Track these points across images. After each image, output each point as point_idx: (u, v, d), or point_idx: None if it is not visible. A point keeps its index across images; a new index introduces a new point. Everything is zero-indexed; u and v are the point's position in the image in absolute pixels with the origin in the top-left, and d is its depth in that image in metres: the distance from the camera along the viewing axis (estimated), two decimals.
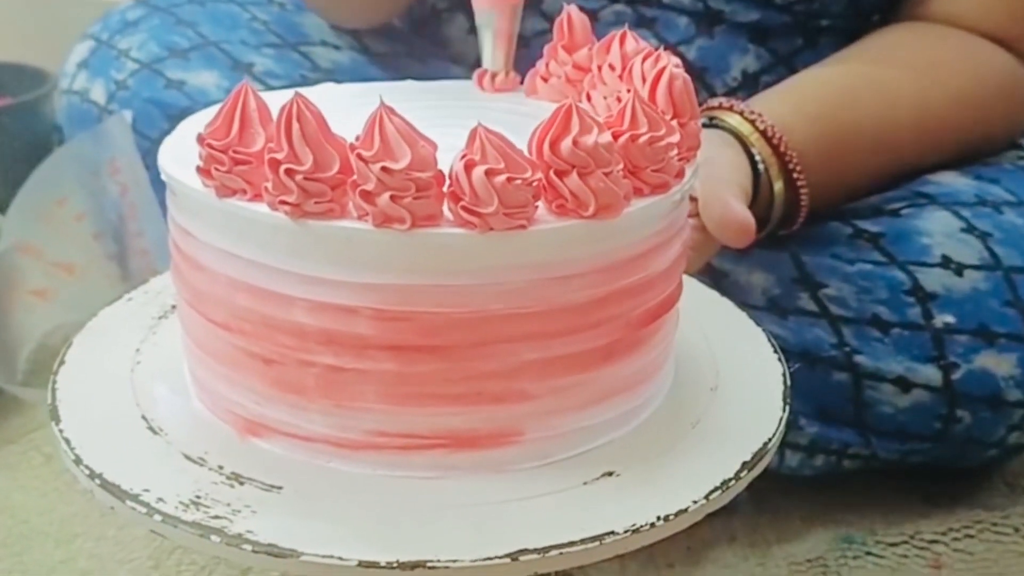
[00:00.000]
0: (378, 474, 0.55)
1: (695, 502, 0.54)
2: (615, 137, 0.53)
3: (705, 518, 0.55)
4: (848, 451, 0.88)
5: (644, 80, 0.58)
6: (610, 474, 0.55)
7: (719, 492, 0.54)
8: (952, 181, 0.90)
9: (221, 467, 0.55)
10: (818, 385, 0.86)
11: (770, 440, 0.58)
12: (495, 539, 0.50)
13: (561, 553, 0.50)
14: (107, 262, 1.05)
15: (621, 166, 0.52)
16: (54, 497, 0.92)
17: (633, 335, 0.56)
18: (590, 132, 0.51)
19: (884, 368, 0.85)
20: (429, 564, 0.49)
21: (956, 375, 0.84)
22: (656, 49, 0.61)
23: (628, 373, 0.57)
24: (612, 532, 0.51)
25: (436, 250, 0.51)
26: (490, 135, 0.50)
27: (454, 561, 0.49)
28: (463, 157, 0.50)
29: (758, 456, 0.57)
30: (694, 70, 0.95)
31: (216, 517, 0.51)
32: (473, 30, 1.01)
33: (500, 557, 0.49)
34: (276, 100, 0.52)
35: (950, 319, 0.84)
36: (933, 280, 0.84)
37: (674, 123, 0.56)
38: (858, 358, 0.85)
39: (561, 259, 0.52)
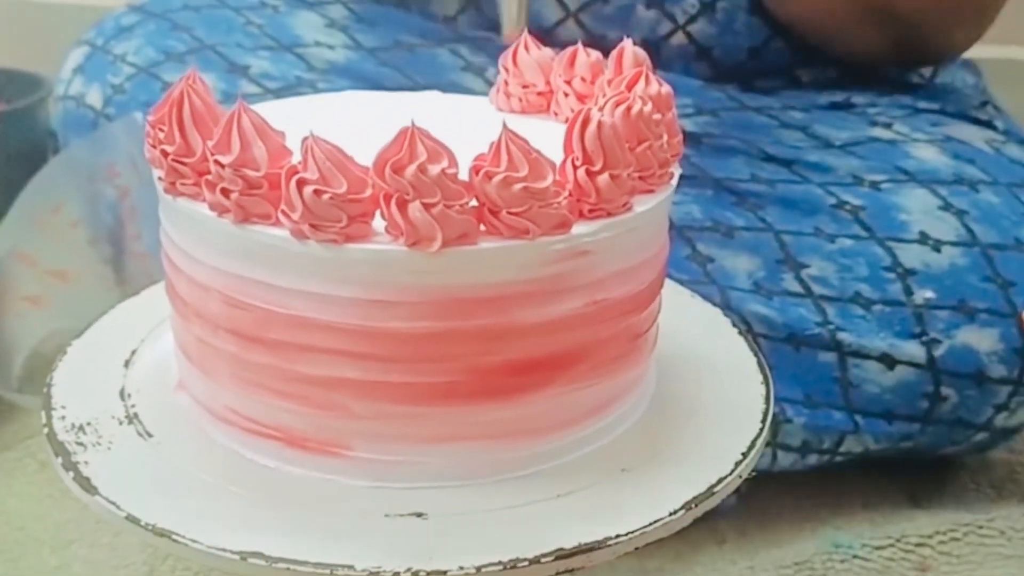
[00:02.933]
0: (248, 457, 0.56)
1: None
2: (476, 171, 0.50)
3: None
4: (840, 448, 0.89)
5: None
6: (419, 515, 0.53)
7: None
8: (931, 157, 0.93)
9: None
10: (804, 368, 0.86)
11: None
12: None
13: None
14: (102, 267, 1.05)
15: (467, 200, 0.50)
16: (49, 503, 0.92)
17: (488, 383, 0.53)
18: (438, 160, 0.49)
19: (868, 345, 0.85)
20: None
21: (939, 351, 0.85)
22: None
23: (486, 420, 0.54)
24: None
25: (264, 247, 0.51)
26: (324, 146, 0.49)
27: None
28: (299, 163, 0.50)
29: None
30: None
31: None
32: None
33: None
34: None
35: (930, 294, 0.85)
36: (912, 256, 0.86)
37: (580, 171, 0.52)
38: (842, 335, 0.85)
39: (378, 282, 0.50)
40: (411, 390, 0.52)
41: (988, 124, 1.00)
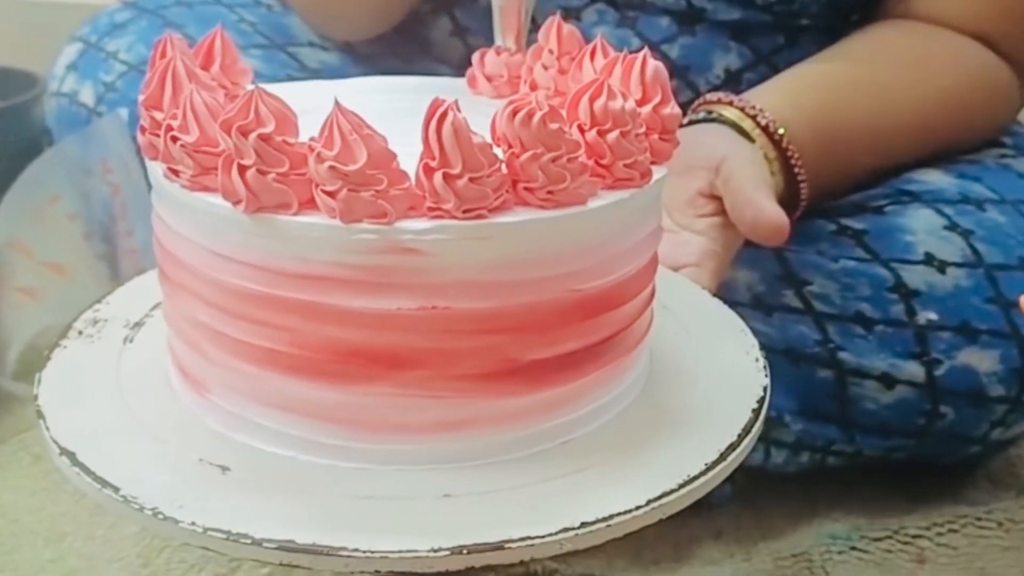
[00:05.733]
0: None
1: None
2: (310, 148, 0.51)
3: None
4: (832, 448, 0.89)
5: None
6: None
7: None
8: (936, 179, 0.91)
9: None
10: (802, 382, 0.86)
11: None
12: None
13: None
14: (96, 262, 1.05)
15: (288, 170, 0.52)
16: (43, 496, 0.92)
17: (309, 362, 0.54)
18: (276, 128, 0.51)
19: (868, 365, 0.85)
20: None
21: (939, 371, 0.85)
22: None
23: (307, 397, 0.55)
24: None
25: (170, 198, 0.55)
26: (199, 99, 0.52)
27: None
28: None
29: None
30: (677, 68, 0.95)
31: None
32: (456, 32, 1.02)
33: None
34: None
35: (933, 316, 0.84)
36: (916, 277, 0.85)
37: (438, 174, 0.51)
38: (842, 355, 0.85)
39: (218, 235, 0.54)
40: (248, 349, 0.54)
41: (996, 141, 0.98)
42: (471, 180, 0.50)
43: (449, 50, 1.03)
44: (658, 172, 0.58)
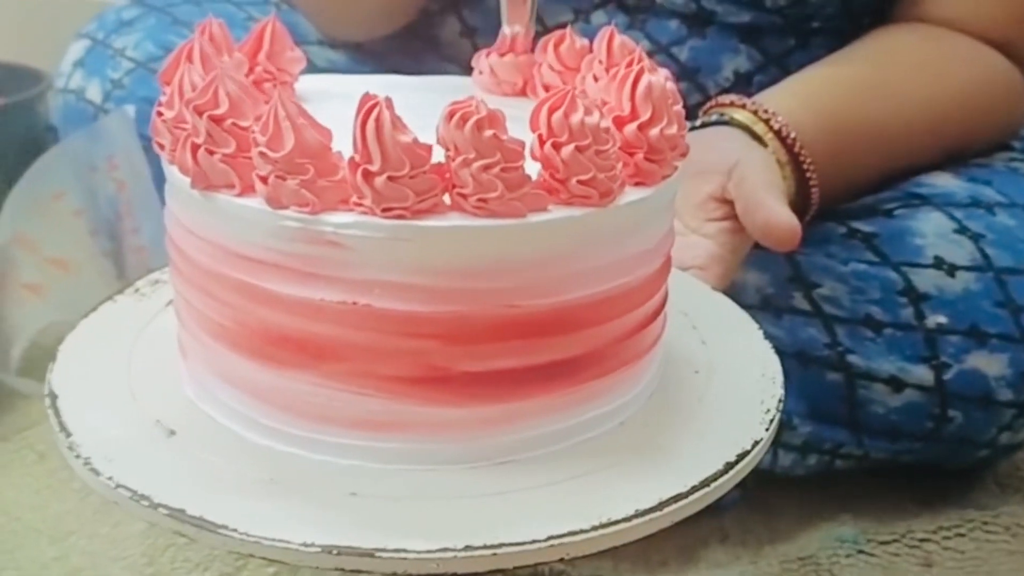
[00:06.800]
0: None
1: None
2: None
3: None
4: (840, 451, 0.89)
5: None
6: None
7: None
8: (945, 182, 0.91)
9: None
10: (811, 385, 0.86)
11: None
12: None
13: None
14: (102, 260, 1.05)
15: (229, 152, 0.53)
16: (47, 494, 0.92)
17: (248, 343, 0.55)
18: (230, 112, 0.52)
19: (876, 368, 0.85)
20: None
21: (948, 375, 0.85)
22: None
23: (243, 375, 0.56)
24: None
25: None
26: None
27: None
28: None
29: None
30: (687, 71, 0.95)
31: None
32: (464, 32, 1.01)
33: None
34: None
35: (942, 319, 0.84)
36: (926, 281, 0.85)
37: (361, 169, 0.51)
38: (851, 358, 0.85)
39: (183, 207, 0.56)
40: (207, 322, 0.57)
41: (1006, 145, 0.98)
42: (390, 179, 0.50)
43: (458, 50, 1.02)
44: (635, 193, 0.55)
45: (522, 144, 0.51)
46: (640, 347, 0.59)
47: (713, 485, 0.54)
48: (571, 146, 0.52)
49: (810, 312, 0.86)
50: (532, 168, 0.52)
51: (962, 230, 0.86)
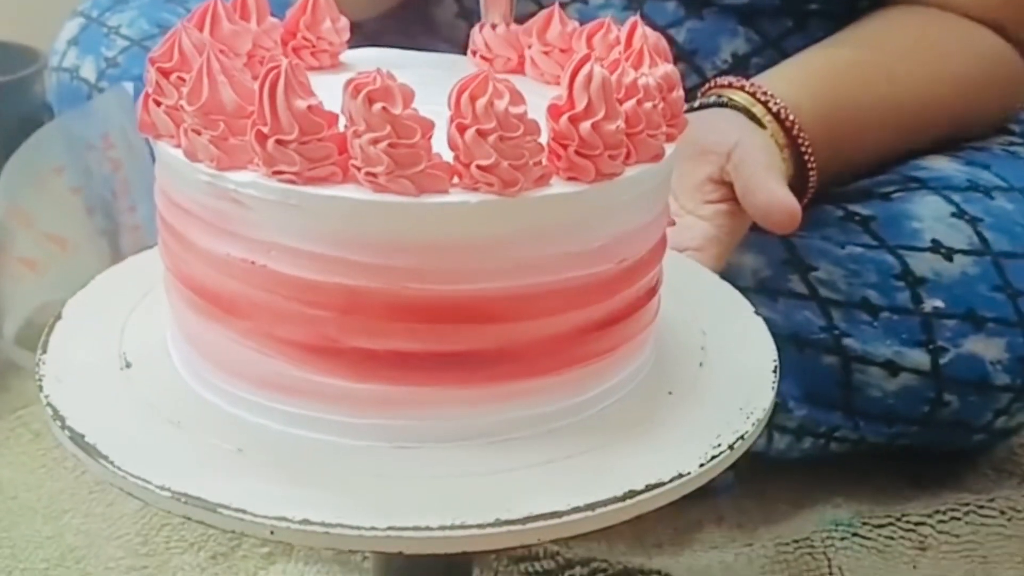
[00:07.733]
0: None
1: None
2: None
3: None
4: (836, 434, 0.89)
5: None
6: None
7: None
8: (944, 166, 0.91)
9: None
10: (807, 368, 0.86)
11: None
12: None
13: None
14: (98, 238, 1.04)
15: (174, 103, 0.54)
16: (42, 473, 0.92)
17: (186, 298, 0.57)
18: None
19: (873, 352, 0.85)
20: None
21: (944, 359, 0.84)
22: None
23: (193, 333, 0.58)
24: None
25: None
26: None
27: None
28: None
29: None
30: (684, 52, 0.95)
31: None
32: (461, 13, 1.01)
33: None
34: None
35: (939, 303, 0.84)
36: (923, 264, 0.84)
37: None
38: (847, 341, 0.85)
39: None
40: (166, 271, 0.59)
41: (1004, 128, 0.98)
42: (278, 142, 0.50)
43: (454, 31, 1.02)
44: (561, 187, 0.52)
45: (427, 123, 0.50)
46: (598, 347, 0.57)
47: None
48: (473, 130, 0.50)
49: (806, 295, 0.85)
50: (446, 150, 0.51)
51: (960, 214, 0.86)
